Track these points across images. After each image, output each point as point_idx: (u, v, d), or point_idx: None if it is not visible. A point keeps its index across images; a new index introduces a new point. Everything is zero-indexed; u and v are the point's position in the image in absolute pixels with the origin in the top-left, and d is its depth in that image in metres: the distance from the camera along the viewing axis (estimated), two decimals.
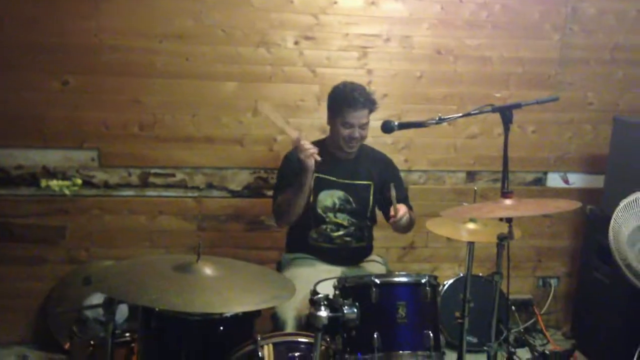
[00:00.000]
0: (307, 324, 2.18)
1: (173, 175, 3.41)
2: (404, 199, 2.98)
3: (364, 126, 2.83)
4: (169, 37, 3.26)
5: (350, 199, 2.92)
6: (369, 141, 3.14)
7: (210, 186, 3.45)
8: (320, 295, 1.98)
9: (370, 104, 2.83)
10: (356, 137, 2.83)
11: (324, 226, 2.91)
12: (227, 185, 3.46)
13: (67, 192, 3.31)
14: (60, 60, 3.19)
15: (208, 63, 3.31)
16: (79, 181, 3.33)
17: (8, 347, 3.30)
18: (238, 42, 3.31)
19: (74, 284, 3.20)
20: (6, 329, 3.35)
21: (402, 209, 2.70)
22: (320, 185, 2.90)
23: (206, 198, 3.46)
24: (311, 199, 2.88)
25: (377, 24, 3.42)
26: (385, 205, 2.89)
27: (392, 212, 2.69)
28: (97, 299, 2.33)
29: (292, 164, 2.91)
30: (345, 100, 2.81)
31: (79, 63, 3.21)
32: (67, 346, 2.78)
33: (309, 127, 3.41)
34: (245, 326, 2.24)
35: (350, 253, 2.95)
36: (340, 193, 2.92)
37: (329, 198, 2.91)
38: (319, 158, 2.72)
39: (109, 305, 2.09)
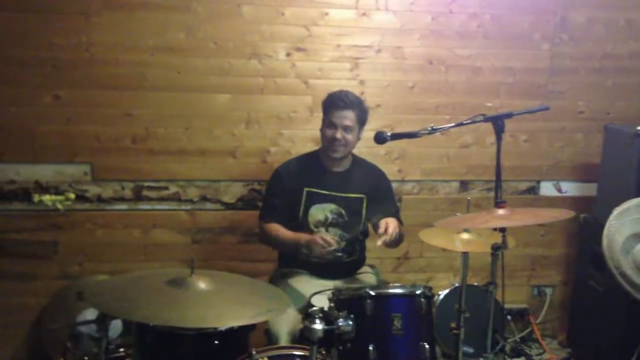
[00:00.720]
0: (302, 337, 2.17)
1: (166, 188, 3.40)
2: (394, 213, 2.99)
3: (348, 129, 2.82)
4: (161, 50, 3.26)
5: (343, 212, 2.91)
6: (363, 152, 3.15)
7: (203, 199, 3.44)
8: (314, 308, 1.97)
9: (354, 107, 2.83)
10: (339, 138, 2.81)
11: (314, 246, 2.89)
12: (221, 197, 3.45)
13: (60, 206, 3.30)
14: (51, 74, 3.19)
15: (200, 76, 3.31)
16: (72, 195, 3.31)
17: None
18: (230, 55, 3.32)
19: (67, 300, 3.17)
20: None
21: (392, 223, 2.71)
22: (312, 200, 2.89)
23: (200, 211, 3.45)
24: (301, 213, 2.88)
25: (368, 35, 3.44)
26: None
27: (381, 229, 2.69)
28: (90, 314, 2.31)
29: (281, 180, 2.91)
30: (332, 101, 2.86)
31: (70, 77, 3.21)
32: None
33: (301, 138, 3.42)
34: (240, 340, 2.22)
35: (341, 267, 2.93)
36: (332, 206, 2.91)
37: (320, 212, 2.90)
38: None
39: (102, 320, 2.07)
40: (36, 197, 3.27)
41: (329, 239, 2.69)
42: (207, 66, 3.31)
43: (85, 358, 2.39)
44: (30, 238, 3.31)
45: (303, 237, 2.78)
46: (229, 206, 3.47)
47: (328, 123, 2.85)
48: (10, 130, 3.21)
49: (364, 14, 3.41)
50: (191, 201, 3.43)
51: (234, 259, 3.49)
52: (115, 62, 3.23)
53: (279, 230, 2.88)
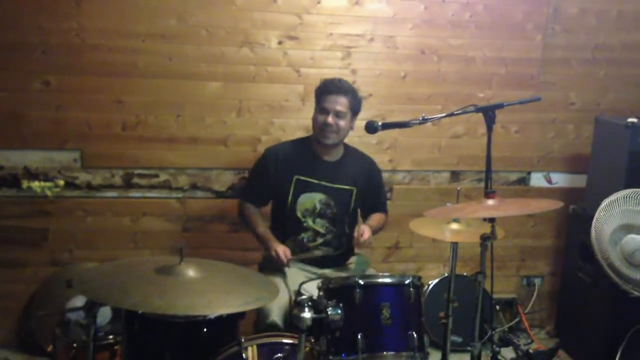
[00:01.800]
0: (291, 325, 2.17)
1: (157, 176, 3.39)
2: (382, 204, 2.99)
3: (340, 114, 2.81)
4: (152, 37, 3.23)
5: (332, 203, 2.91)
6: (354, 141, 3.14)
7: (194, 187, 3.43)
8: (304, 297, 1.97)
9: (347, 93, 2.82)
10: (330, 123, 2.79)
11: (302, 235, 2.90)
12: (212, 186, 3.44)
13: (49, 193, 3.28)
14: (41, 60, 3.15)
15: (191, 63, 3.29)
16: (62, 182, 3.29)
17: None
18: (221, 42, 3.30)
19: (56, 287, 3.16)
20: None
21: (365, 233, 2.73)
22: (301, 188, 2.88)
23: (190, 199, 3.44)
24: (289, 202, 2.87)
25: (361, 23, 3.42)
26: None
27: (355, 234, 2.72)
28: (79, 301, 2.30)
29: (266, 162, 2.92)
30: (324, 86, 2.86)
31: (60, 63, 3.18)
32: (49, 349, 2.76)
33: (293, 127, 3.41)
34: (229, 328, 2.23)
35: (329, 260, 2.94)
36: (321, 196, 2.90)
37: (309, 201, 2.89)
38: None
39: (91, 307, 2.07)
40: (25, 184, 3.25)
41: (282, 257, 2.73)
42: (198, 53, 3.29)
43: (74, 345, 2.38)
44: (19, 224, 3.29)
45: (270, 243, 2.82)
46: (219, 194, 3.46)
47: (320, 109, 2.84)
48: None
49: (356, 3, 3.40)
50: (182, 189, 3.42)
51: (223, 247, 3.48)
52: (106, 48, 3.20)
53: (253, 217, 2.93)
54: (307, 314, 1.92)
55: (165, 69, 3.28)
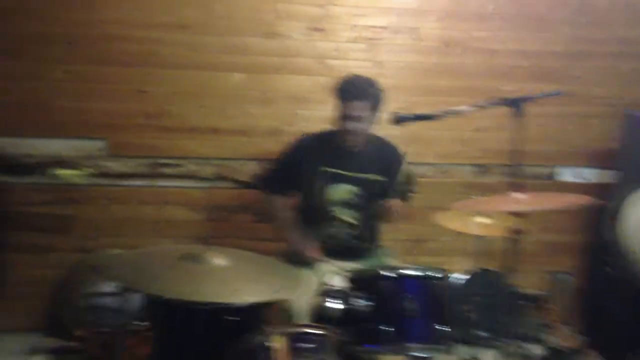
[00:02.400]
0: (318, 315, 2.19)
1: (181, 165, 3.42)
2: (405, 192, 2.97)
3: (361, 119, 2.76)
4: (175, 27, 3.26)
5: (362, 194, 2.89)
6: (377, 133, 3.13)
7: (218, 177, 3.45)
8: (330, 288, 1.99)
9: (368, 96, 2.75)
10: (351, 129, 2.77)
11: (330, 228, 2.90)
12: (235, 176, 3.46)
13: (76, 181, 3.32)
14: (66, 50, 3.20)
15: (214, 54, 3.31)
16: (87, 170, 3.33)
17: (20, 335, 3.30)
18: (245, 33, 3.31)
19: (83, 272, 3.20)
20: (18, 317, 3.35)
21: (396, 203, 2.73)
22: (331, 179, 2.87)
23: (214, 189, 3.46)
24: (318, 192, 2.87)
25: (385, 15, 3.42)
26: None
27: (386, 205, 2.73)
28: (107, 287, 2.34)
29: (292, 151, 2.91)
30: (343, 91, 2.79)
31: (84, 54, 3.22)
32: (79, 333, 2.79)
33: (317, 118, 3.40)
34: (255, 317, 2.24)
35: (355, 251, 2.93)
36: (351, 187, 2.88)
37: (338, 192, 2.87)
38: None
39: (122, 293, 2.10)
40: (52, 171, 3.30)
41: (315, 255, 2.74)
42: (221, 44, 3.30)
43: (104, 330, 2.41)
44: (47, 211, 3.35)
45: (299, 242, 2.82)
46: (243, 184, 3.47)
47: (340, 112, 2.80)
48: (27, 106, 3.23)
49: None
50: (206, 179, 3.44)
51: (247, 237, 3.49)
52: (129, 39, 3.24)
53: (280, 210, 2.93)
54: (333, 305, 1.93)
55: (187, 60, 3.30)
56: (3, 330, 3.28)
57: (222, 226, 3.49)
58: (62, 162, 3.31)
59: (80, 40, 3.20)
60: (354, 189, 2.89)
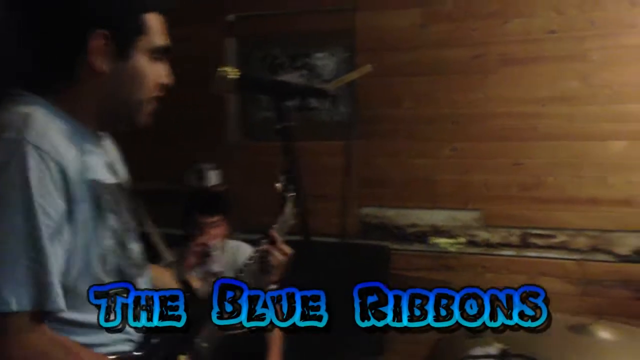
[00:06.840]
0: None
1: (554, 236, 3.40)
2: None
3: None
4: (553, 100, 3.31)
5: None
6: None
7: (593, 249, 3.33)
8: None
9: None
10: None
11: None
12: (613, 249, 3.29)
13: (452, 249, 3.58)
14: (451, 129, 3.51)
15: (593, 123, 3.26)
16: (463, 240, 3.56)
17: None
18: (628, 100, 3.19)
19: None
20: None
21: None
22: None
23: (589, 261, 3.34)
24: None
25: None
26: None
27: None
28: (490, 349, 2.43)
29: None
30: None
31: (467, 131, 3.48)
32: None
33: None
34: None
35: None
36: None
37: None
38: None
39: (504, 356, 2.17)
40: (432, 240, 3.62)
41: None
42: (601, 113, 3.24)
43: None
44: (424, 276, 3.64)
45: None
46: (622, 258, 3.28)
47: None
48: (413, 180, 3.62)
49: None
50: (580, 250, 3.35)
51: (627, 315, 3.26)
52: (507, 115, 3.40)
53: None
54: None
55: (565, 131, 3.31)
56: None
57: (597, 301, 3.32)
58: (441, 232, 3.60)
59: (463, 119, 3.47)
60: None
